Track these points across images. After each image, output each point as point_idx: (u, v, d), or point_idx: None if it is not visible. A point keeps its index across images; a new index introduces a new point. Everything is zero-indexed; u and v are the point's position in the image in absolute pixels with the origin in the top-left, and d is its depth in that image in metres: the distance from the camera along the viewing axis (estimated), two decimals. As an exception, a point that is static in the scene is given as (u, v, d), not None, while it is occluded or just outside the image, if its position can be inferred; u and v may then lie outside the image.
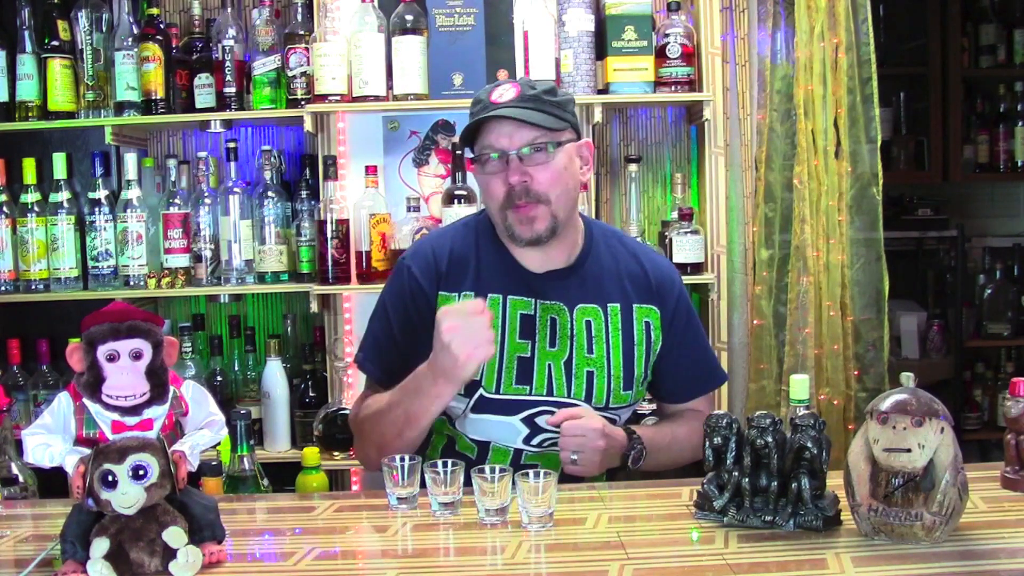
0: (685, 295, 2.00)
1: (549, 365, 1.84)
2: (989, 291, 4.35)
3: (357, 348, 2.02)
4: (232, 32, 2.81)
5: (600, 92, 2.80)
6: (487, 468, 1.63)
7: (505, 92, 1.77)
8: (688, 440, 1.93)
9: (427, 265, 1.88)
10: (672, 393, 2.00)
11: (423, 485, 1.69)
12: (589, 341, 1.85)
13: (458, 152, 2.73)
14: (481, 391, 1.84)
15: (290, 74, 2.78)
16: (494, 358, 1.80)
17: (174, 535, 1.40)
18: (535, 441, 1.87)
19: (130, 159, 2.76)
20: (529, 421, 1.86)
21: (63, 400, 1.44)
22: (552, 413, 1.83)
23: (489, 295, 1.83)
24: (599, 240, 1.93)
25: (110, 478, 1.36)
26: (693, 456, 1.92)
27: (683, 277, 2.77)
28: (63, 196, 2.80)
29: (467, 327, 1.62)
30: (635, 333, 1.89)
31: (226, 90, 2.81)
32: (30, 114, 2.84)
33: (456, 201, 2.68)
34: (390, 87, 2.74)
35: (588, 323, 1.85)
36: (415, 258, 1.91)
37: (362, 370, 1.98)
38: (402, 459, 1.71)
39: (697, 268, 2.80)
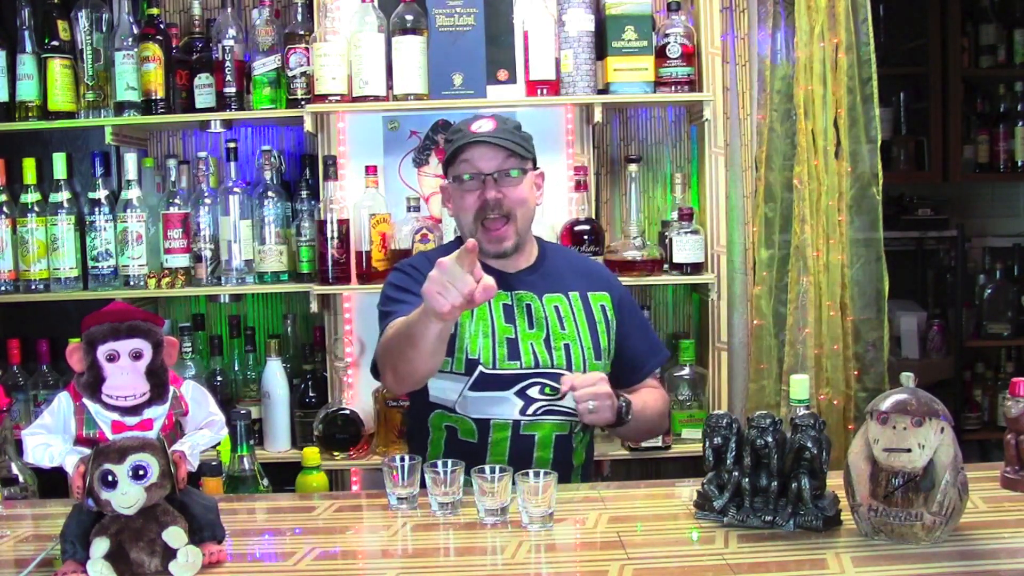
0: (626, 289, 2.33)
1: (532, 344, 2.10)
2: (989, 291, 4.34)
3: (379, 335, 2.09)
4: (232, 32, 2.81)
5: (600, 92, 2.80)
6: (487, 468, 1.63)
7: (484, 124, 2.11)
8: (656, 405, 2.23)
9: (422, 263, 2.14)
10: (631, 371, 2.25)
11: (423, 485, 1.69)
12: (560, 321, 2.14)
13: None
14: (480, 368, 2.07)
15: (290, 74, 2.78)
16: (488, 339, 2.08)
17: (174, 535, 1.40)
18: (529, 411, 2.08)
19: (130, 159, 2.76)
20: (522, 393, 2.08)
21: (63, 400, 1.45)
22: (541, 385, 2.08)
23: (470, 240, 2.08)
24: (550, 250, 2.28)
25: (110, 478, 1.37)
26: (662, 421, 2.30)
27: (683, 277, 2.83)
28: (63, 196, 2.80)
29: (444, 276, 1.73)
30: (594, 313, 2.18)
31: (226, 90, 2.81)
32: (30, 114, 2.84)
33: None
34: (390, 87, 2.74)
35: (556, 307, 2.15)
36: (412, 260, 2.24)
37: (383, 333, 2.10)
38: (402, 459, 1.71)
39: (697, 268, 2.80)
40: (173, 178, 2.81)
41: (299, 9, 2.80)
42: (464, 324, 2.08)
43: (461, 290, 1.68)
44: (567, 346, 2.12)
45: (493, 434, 2.08)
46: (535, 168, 2.18)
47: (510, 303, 2.13)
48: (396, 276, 2.18)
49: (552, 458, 2.09)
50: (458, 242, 2.19)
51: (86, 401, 1.42)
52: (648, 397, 2.23)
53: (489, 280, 1.72)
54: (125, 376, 1.41)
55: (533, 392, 2.09)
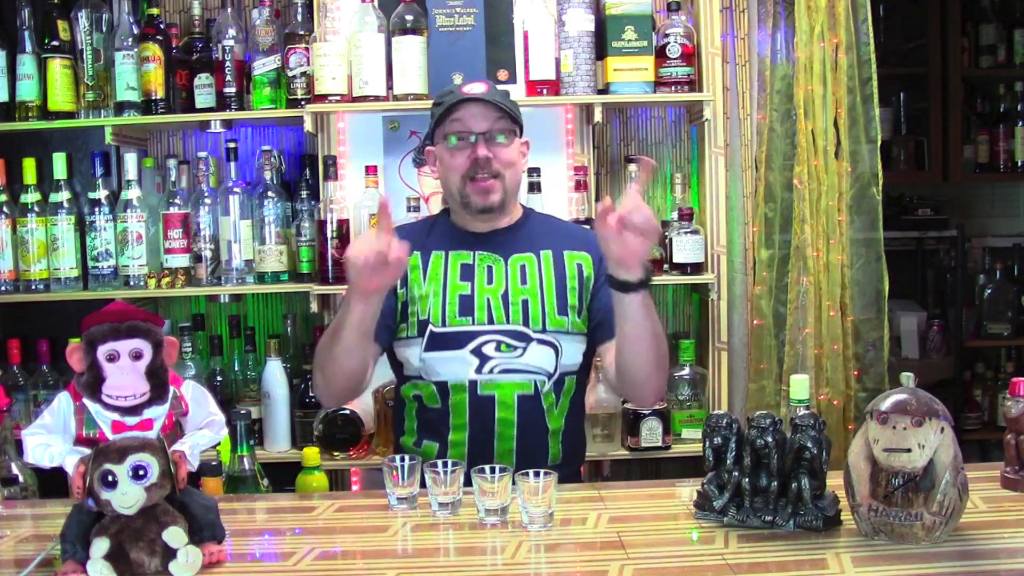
0: None
1: (488, 299, 2.08)
2: (989, 291, 4.34)
3: None
4: (232, 32, 2.81)
5: (600, 92, 2.80)
6: (487, 468, 1.63)
7: (476, 87, 2.09)
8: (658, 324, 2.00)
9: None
10: (607, 325, 2.05)
11: (423, 485, 1.69)
12: (523, 278, 2.11)
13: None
14: (430, 327, 2.06)
15: (290, 74, 2.78)
16: (438, 297, 2.07)
17: (174, 535, 1.40)
18: (485, 370, 2.05)
19: (130, 159, 2.76)
20: (477, 352, 2.05)
21: (63, 400, 1.45)
22: (495, 343, 2.05)
23: (433, 252, 2.13)
24: (534, 216, 2.25)
25: (110, 478, 1.37)
26: (660, 345, 1.98)
27: (683, 277, 2.82)
28: (63, 196, 2.79)
29: (359, 242, 1.85)
30: (566, 270, 2.13)
31: (226, 90, 2.81)
32: (30, 114, 2.84)
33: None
34: (390, 87, 2.74)
35: (522, 266, 2.12)
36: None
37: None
38: (402, 459, 1.71)
39: (697, 268, 2.80)
40: (173, 178, 2.81)
41: (299, 9, 2.80)
42: (415, 285, 2.08)
43: (371, 245, 1.77)
44: (525, 301, 2.07)
45: (452, 396, 2.05)
46: (521, 135, 2.16)
47: (470, 263, 2.11)
48: None
49: (517, 420, 2.04)
50: (443, 213, 2.23)
51: (86, 401, 1.42)
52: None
53: (400, 247, 1.79)
54: (125, 376, 1.41)
55: (489, 350, 2.05)
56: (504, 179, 2.08)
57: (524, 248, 2.13)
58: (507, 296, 2.08)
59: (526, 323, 2.06)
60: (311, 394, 2.89)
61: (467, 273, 2.10)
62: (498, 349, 2.05)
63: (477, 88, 2.08)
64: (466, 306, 2.07)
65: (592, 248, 2.12)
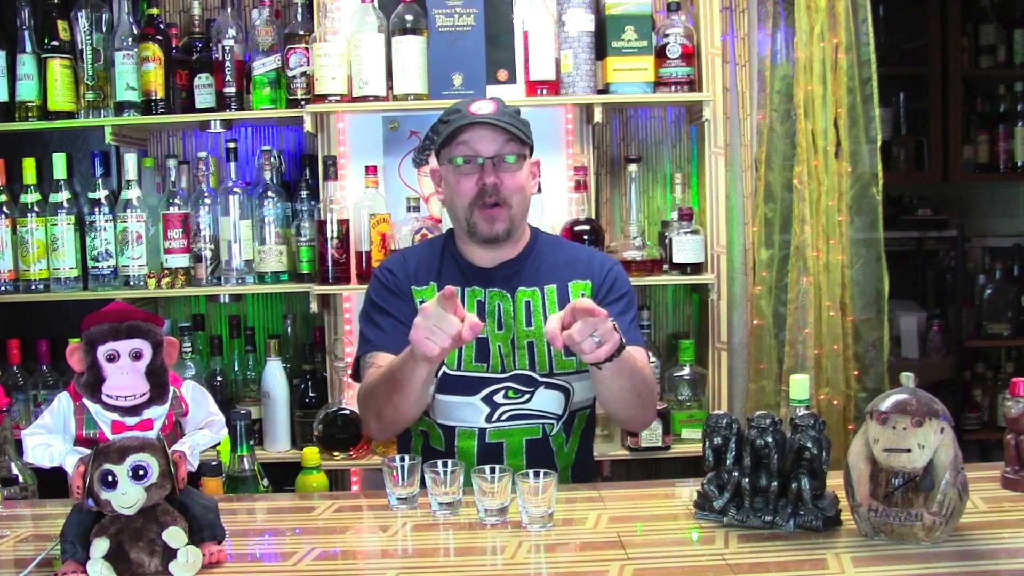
0: (623, 277, 2.13)
1: (499, 346, 2.02)
2: (989, 291, 4.35)
3: (356, 349, 2.12)
4: (232, 32, 2.81)
5: (600, 92, 2.80)
6: (487, 468, 1.63)
7: (484, 106, 2.01)
8: (643, 366, 1.97)
9: (399, 265, 2.12)
10: None
11: (423, 485, 1.69)
12: (528, 317, 2.04)
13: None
14: (444, 369, 1.99)
15: (290, 74, 2.78)
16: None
17: (174, 535, 1.40)
18: (495, 417, 2.01)
19: (130, 159, 2.76)
20: (488, 400, 2.00)
21: (63, 400, 1.45)
22: (507, 391, 2.00)
23: (448, 286, 1.99)
24: (543, 241, 2.16)
25: (110, 478, 1.37)
26: (641, 392, 1.94)
27: (683, 277, 2.82)
28: (63, 196, 2.80)
29: (429, 321, 1.74)
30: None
31: (226, 90, 2.81)
32: (30, 114, 2.84)
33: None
34: (390, 87, 2.74)
35: (527, 303, 2.05)
36: (388, 262, 2.19)
37: (360, 363, 2.08)
38: (402, 459, 1.71)
39: (697, 268, 2.80)
40: (173, 178, 2.81)
41: (299, 9, 2.80)
42: None
43: (448, 331, 1.70)
44: (531, 344, 2.01)
45: (459, 442, 2.01)
46: (531, 155, 2.09)
47: (483, 300, 2.04)
48: (374, 287, 2.10)
49: (526, 465, 1.98)
50: (449, 236, 2.13)
51: (86, 401, 1.42)
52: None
53: (473, 318, 1.74)
54: (125, 376, 1.41)
55: (499, 397, 2.00)
56: (511, 207, 1.99)
57: (530, 281, 2.06)
58: (514, 340, 2.01)
59: (532, 367, 2.01)
60: (311, 394, 2.89)
61: (480, 314, 2.01)
62: (506, 396, 2.00)
63: (486, 108, 2.00)
64: (482, 351, 2.00)
65: (593, 274, 2.09)
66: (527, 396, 2.01)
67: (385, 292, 2.07)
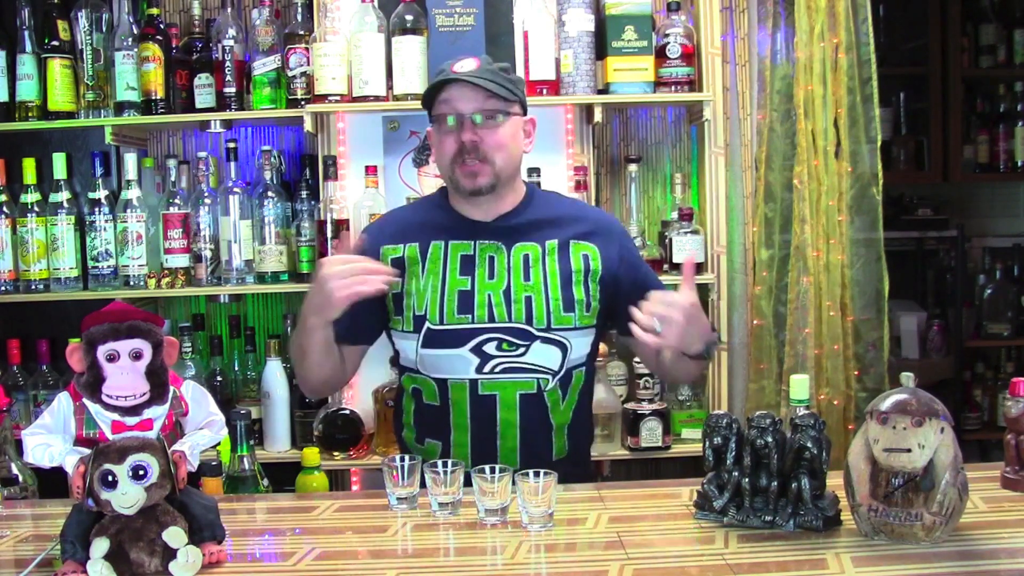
0: (626, 236, 2.17)
1: (488, 295, 2.00)
2: (989, 291, 4.35)
3: None
4: (232, 32, 2.81)
5: (600, 92, 2.80)
6: (487, 468, 1.63)
7: (467, 64, 1.99)
8: None
9: (376, 228, 2.16)
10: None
11: (423, 485, 1.69)
12: (526, 271, 2.02)
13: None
14: (427, 324, 2.00)
15: (290, 74, 2.78)
16: (436, 292, 2.00)
17: (174, 535, 1.40)
18: (487, 369, 1.99)
19: (130, 159, 2.76)
20: (477, 350, 1.99)
21: (63, 400, 1.45)
22: (496, 342, 1.99)
23: (432, 241, 2.05)
24: (538, 196, 2.15)
25: (110, 478, 1.36)
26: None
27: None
28: (63, 196, 2.80)
29: (339, 272, 1.84)
30: (572, 262, 2.04)
31: (226, 90, 2.81)
32: (30, 114, 2.84)
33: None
34: (390, 87, 2.74)
35: (525, 256, 2.03)
36: (372, 224, 2.25)
37: None
38: (402, 459, 1.71)
39: (697, 268, 2.80)
40: (173, 178, 2.81)
41: (299, 9, 2.80)
42: (414, 279, 2.01)
43: (343, 269, 1.81)
44: (528, 299, 1.98)
45: (452, 394, 2.00)
46: (524, 113, 2.06)
47: (471, 253, 2.02)
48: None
49: (520, 421, 1.99)
50: (444, 192, 2.14)
51: (86, 401, 1.42)
52: None
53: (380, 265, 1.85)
54: (125, 376, 1.41)
55: (490, 348, 1.98)
56: (494, 163, 1.98)
57: (528, 236, 2.04)
58: (510, 292, 1.99)
59: (529, 321, 1.98)
60: (311, 394, 2.89)
61: (468, 266, 2.01)
62: (500, 348, 1.98)
63: (468, 66, 1.99)
64: (465, 303, 1.99)
65: (599, 240, 2.07)
66: (522, 350, 1.99)
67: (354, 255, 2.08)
